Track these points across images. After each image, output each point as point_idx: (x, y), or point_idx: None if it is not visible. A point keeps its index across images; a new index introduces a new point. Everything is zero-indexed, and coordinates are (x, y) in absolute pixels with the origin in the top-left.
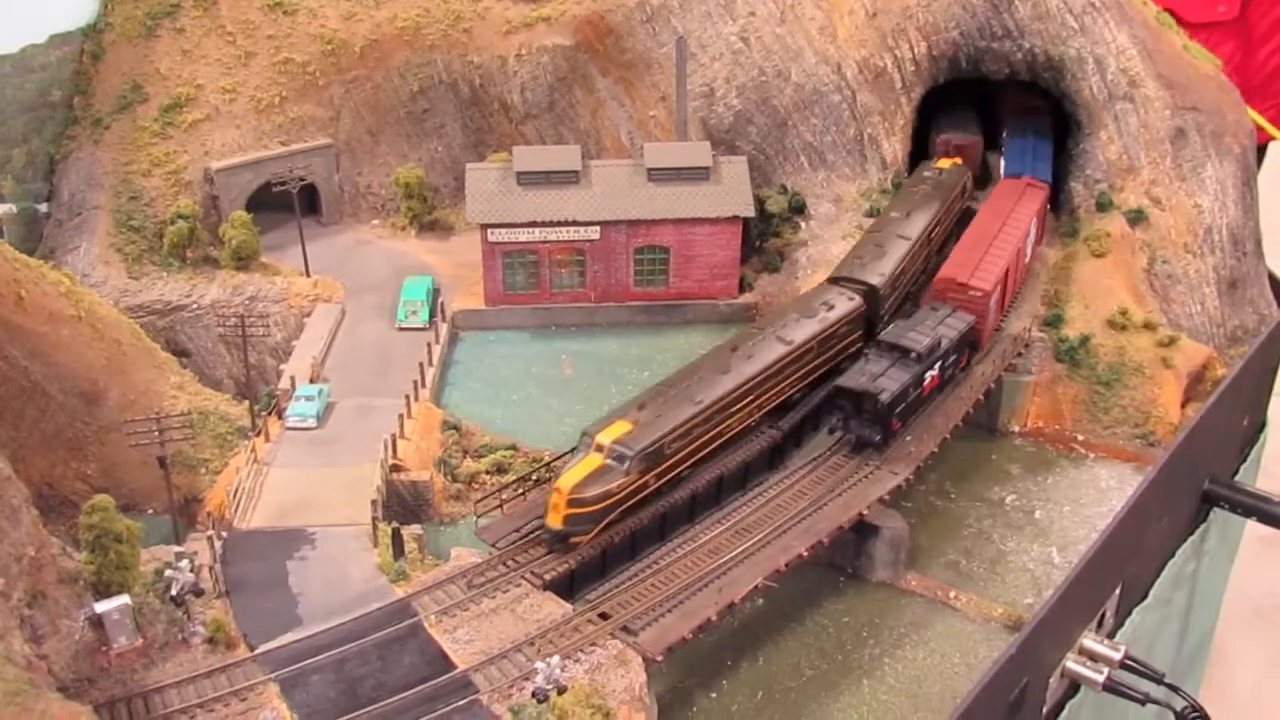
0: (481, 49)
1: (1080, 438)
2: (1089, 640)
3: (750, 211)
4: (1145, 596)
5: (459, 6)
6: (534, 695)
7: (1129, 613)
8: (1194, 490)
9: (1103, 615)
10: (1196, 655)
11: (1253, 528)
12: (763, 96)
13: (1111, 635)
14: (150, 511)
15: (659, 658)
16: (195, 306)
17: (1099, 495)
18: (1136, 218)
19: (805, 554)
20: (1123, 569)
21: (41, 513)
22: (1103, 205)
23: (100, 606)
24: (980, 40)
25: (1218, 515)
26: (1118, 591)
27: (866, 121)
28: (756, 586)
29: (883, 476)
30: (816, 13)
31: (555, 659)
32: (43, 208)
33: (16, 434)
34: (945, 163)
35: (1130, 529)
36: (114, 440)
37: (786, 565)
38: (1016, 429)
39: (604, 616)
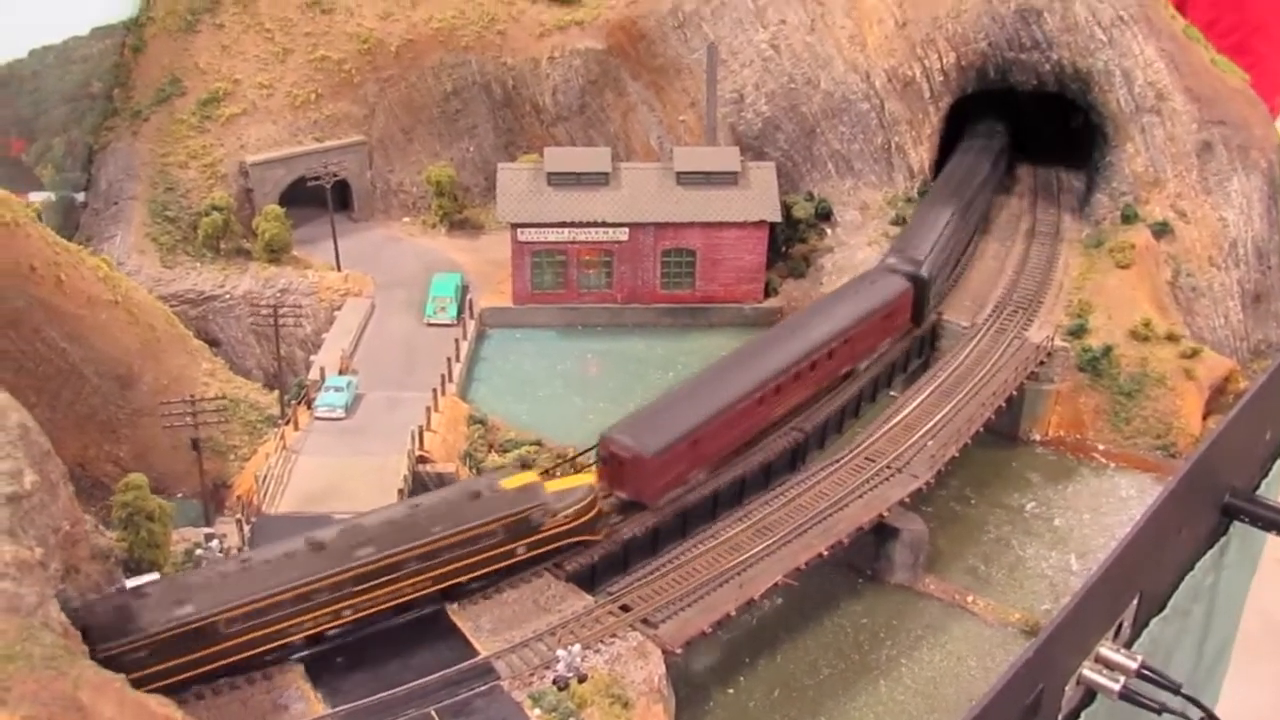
0: (515, 51)
1: (1101, 447)
2: (1106, 649)
3: (777, 217)
4: (1163, 608)
5: (494, 9)
6: (555, 682)
7: (1146, 623)
8: (1214, 503)
9: (1120, 625)
10: (1214, 669)
11: (1274, 545)
12: (792, 104)
13: (1129, 645)
14: (180, 496)
15: (678, 650)
16: (227, 297)
17: (1119, 504)
18: (1162, 230)
19: (825, 553)
20: (1141, 579)
21: (80, 493)
22: (1128, 217)
23: (131, 582)
24: (1009, 51)
25: (1238, 529)
26: (1135, 602)
27: (894, 130)
28: (776, 584)
29: (903, 479)
30: (846, 22)
31: (576, 648)
32: (80, 197)
33: (52, 414)
34: None
35: (1149, 539)
36: (146, 424)
37: (806, 564)
38: (1038, 437)
39: (625, 609)
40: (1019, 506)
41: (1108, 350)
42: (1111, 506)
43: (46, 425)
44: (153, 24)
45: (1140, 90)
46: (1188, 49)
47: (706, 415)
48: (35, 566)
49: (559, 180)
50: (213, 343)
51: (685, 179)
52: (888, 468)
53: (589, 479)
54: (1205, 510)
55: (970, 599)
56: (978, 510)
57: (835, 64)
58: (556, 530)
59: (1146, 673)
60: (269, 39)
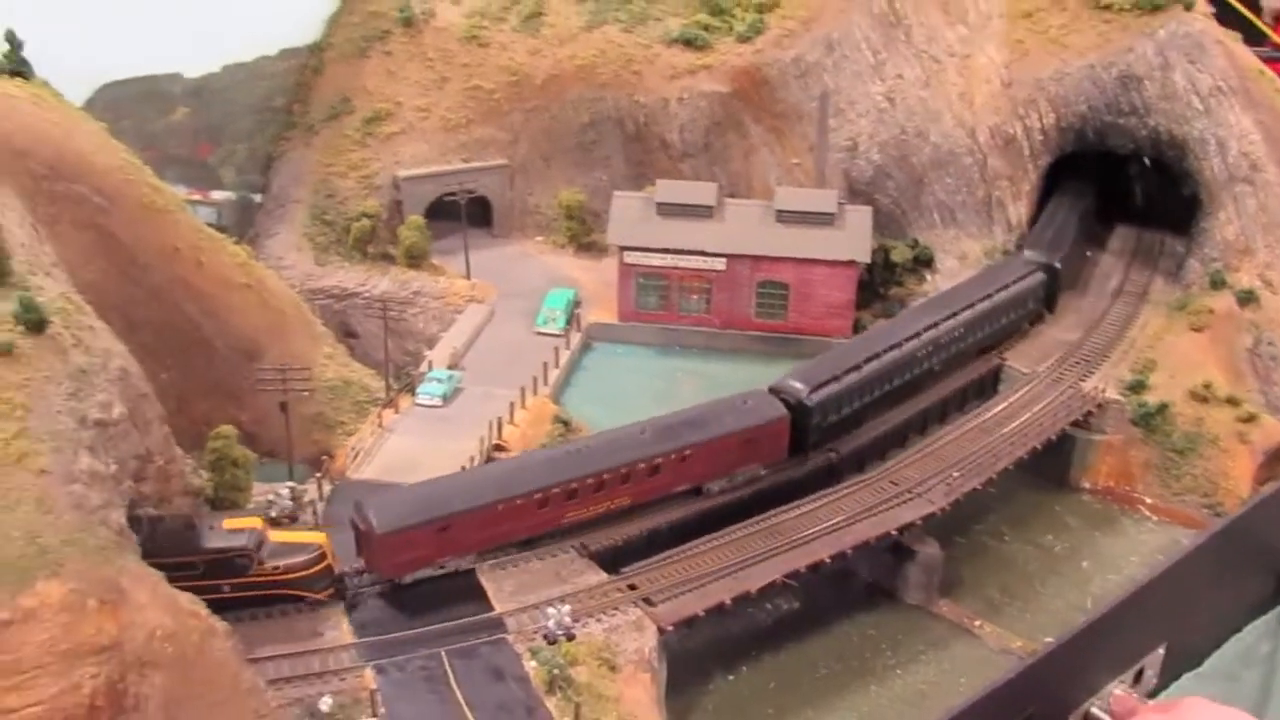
0: (648, 90)
1: (1148, 500)
2: (1120, 691)
3: (866, 258)
4: (1199, 664)
5: (631, 50)
6: (545, 638)
7: (1177, 676)
8: (1268, 568)
9: (1141, 671)
10: None
11: None
12: (902, 154)
13: (1152, 695)
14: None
15: (669, 628)
16: (366, 295)
17: (1150, 556)
18: (1247, 298)
19: (828, 560)
20: (1165, 628)
21: (197, 446)
22: (1216, 283)
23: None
24: (1107, 115)
25: None
26: (1161, 651)
27: (995, 184)
28: (774, 581)
29: (918, 504)
30: (958, 79)
31: (565, 608)
32: (257, 198)
33: (184, 379)
34: None
35: (1173, 589)
36: (266, 395)
37: (807, 568)
38: (1086, 485)
39: (632, 587)
40: (1050, 547)
41: (1163, 407)
42: (1143, 557)
43: (178, 386)
44: (332, 49)
45: (1234, 160)
46: None
47: (467, 507)
48: (107, 479)
49: (667, 210)
50: (351, 335)
51: (785, 216)
52: (907, 492)
53: (321, 538)
54: (1254, 574)
55: (978, 623)
56: (1009, 546)
57: (944, 118)
58: (270, 579)
59: None
60: (430, 67)
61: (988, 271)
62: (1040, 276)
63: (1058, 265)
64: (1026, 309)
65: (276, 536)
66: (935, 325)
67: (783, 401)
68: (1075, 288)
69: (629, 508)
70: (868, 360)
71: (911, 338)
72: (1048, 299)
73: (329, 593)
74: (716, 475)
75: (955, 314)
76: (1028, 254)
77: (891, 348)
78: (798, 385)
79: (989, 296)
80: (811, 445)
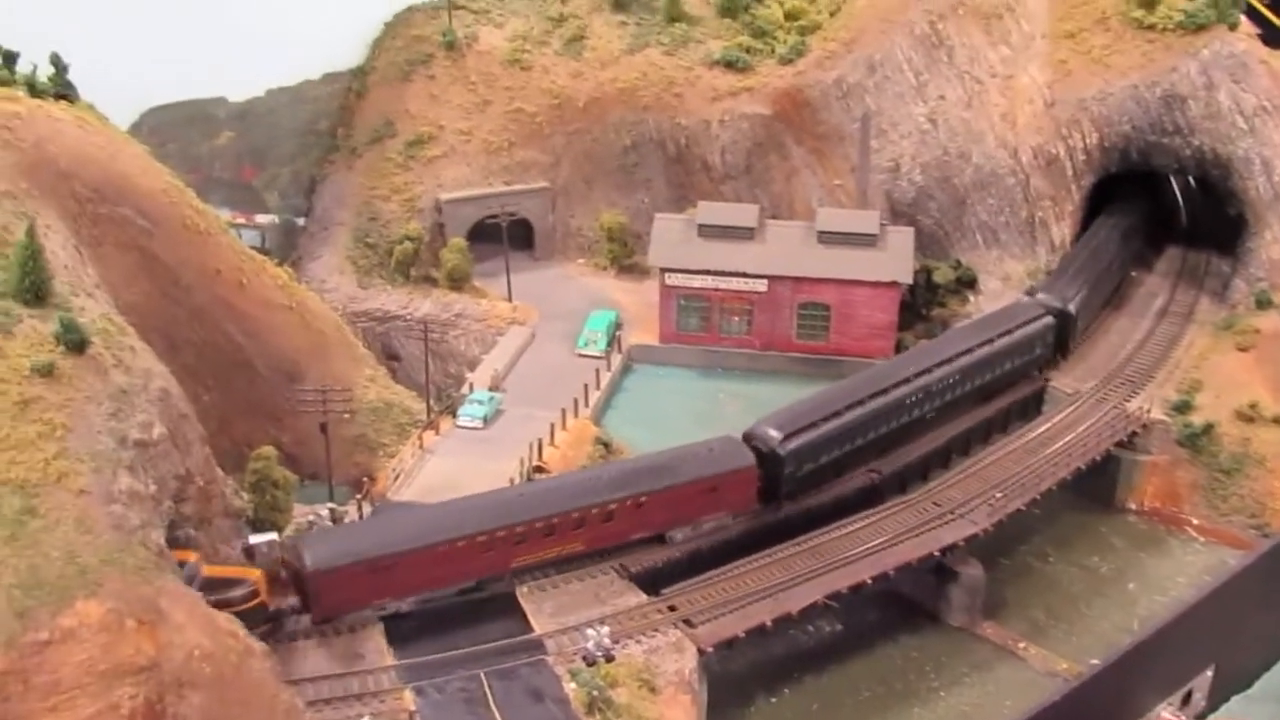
0: (689, 112)
1: (1195, 521)
2: (1168, 714)
3: (908, 279)
4: (1249, 686)
5: (672, 72)
6: (584, 659)
7: (1226, 698)
8: None
9: (1189, 693)
10: None
11: None
12: (944, 175)
13: (1202, 717)
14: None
15: (710, 649)
16: (409, 318)
17: (1197, 576)
18: None
19: (870, 581)
20: (1214, 650)
21: (239, 467)
22: (1262, 303)
23: (253, 538)
24: (1151, 135)
25: None
26: (1209, 673)
27: (1038, 205)
28: (815, 603)
29: (960, 524)
30: (1000, 100)
31: (605, 629)
32: (300, 221)
33: (226, 399)
34: None
35: (1220, 610)
36: (307, 416)
37: (848, 589)
38: (1133, 506)
39: (672, 608)
40: (1095, 568)
41: (1209, 427)
42: (1190, 578)
43: (219, 406)
44: (375, 72)
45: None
46: None
47: (405, 548)
48: (147, 499)
49: (709, 232)
50: (394, 357)
51: (826, 238)
52: (950, 513)
53: (256, 574)
54: None
55: (1022, 645)
56: (1054, 567)
57: (987, 139)
58: None
59: None
60: (472, 90)
61: (993, 315)
62: (1049, 321)
63: (1071, 310)
64: (1033, 354)
65: (210, 571)
66: (929, 371)
67: (754, 449)
68: (1120, 308)
69: (583, 554)
70: (850, 407)
71: (900, 384)
72: (1059, 344)
73: (263, 629)
74: (678, 524)
75: (951, 360)
76: (1039, 296)
77: (877, 394)
78: (771, 433)
79: (990, 342)
80: (785, 495)
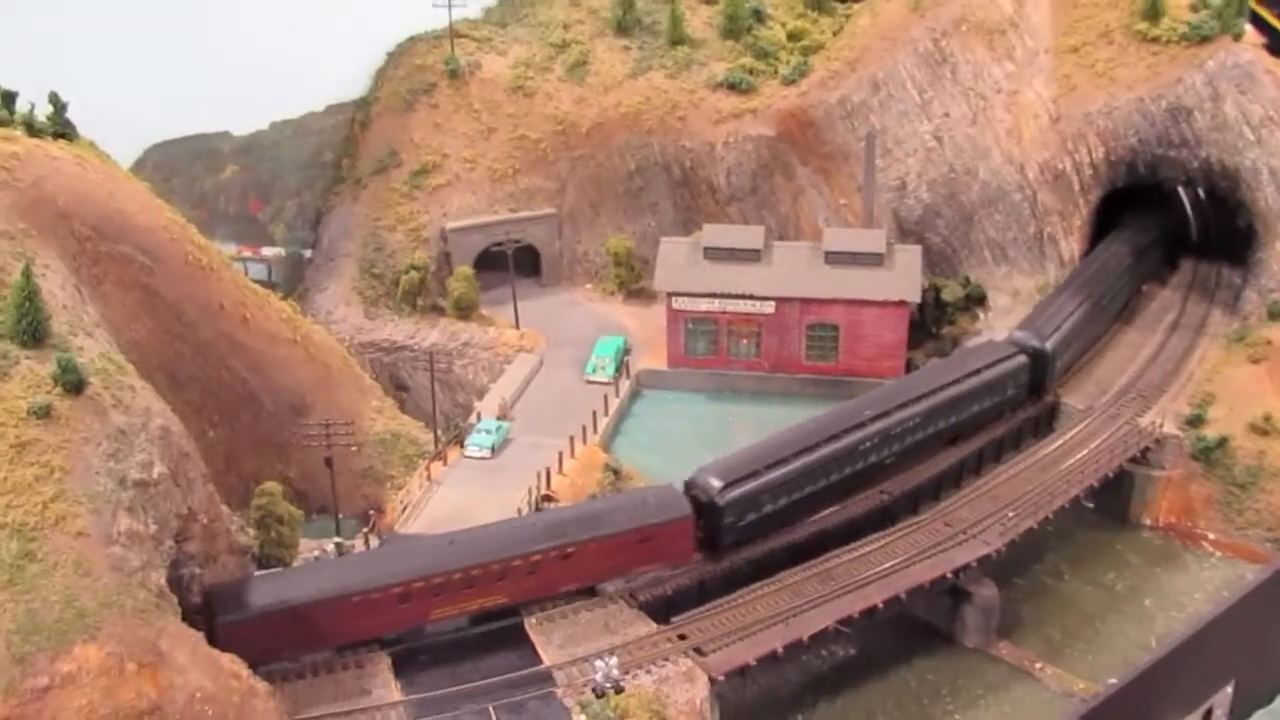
0: (693, 135)
1: (1211, 536)
2: None
3: (917, 298)
4: (1270, 701)
5: (676, 95)
6: (592, 690)
7: (1248, 714)
8: None
9: (1210, 710)
10: None
11: None
12: (951, 192)
13: None
14: (341, 516)
15: (721, 677)
16: (416, 347)
17: (1214, 592)
18: None
19: (881, 605)
20: (1233, 665)
21: (247, 504)
22: (1274, 314)
23: (259, 575)
24: (1158, 148)
25: None
26: (1230, 689)
27: (1046, 220)
28: (826, 629)
29: (973, 545)
30: (1005, 115)
31: (613, 659)
32: (307, 253)
33: (232, 435)
34: None
35: (1239, 625)
36: (314, 450)
37: (860, 614)
38: (1147, 521)
39: (682, 637)
40: (1111, 585)
41: (1223, 441)
42: (1208, 593)
43: (226, 442)
44: (378, 102)
45: None
46: None
47: (316, 597)
48: (147, 539)
49: (714, 254)
50: (402, 388)
51: (833, 258)
52: (962, 533)
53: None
54: None
55: (1039, 665)
56: (1069, 585)
57: (993, 155)
58: None
59: None
60: (476, 118)
61: (961, 354)
62: (1021, 360)
63: (1048, 349)
64: (1004, 396)
65: None
66: (887, 414)
67: (693, 499)
68: (1130, 322)
69: (508, 607)
70: (799, 454)
71: (855, 428)
72: (1033, 385)
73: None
74: (609, 575)
75: (911, 403)
76: (1015, 334)
77: (828, 440)
78: (712, 482)
79: (955, 383)
80: (725, 545)
